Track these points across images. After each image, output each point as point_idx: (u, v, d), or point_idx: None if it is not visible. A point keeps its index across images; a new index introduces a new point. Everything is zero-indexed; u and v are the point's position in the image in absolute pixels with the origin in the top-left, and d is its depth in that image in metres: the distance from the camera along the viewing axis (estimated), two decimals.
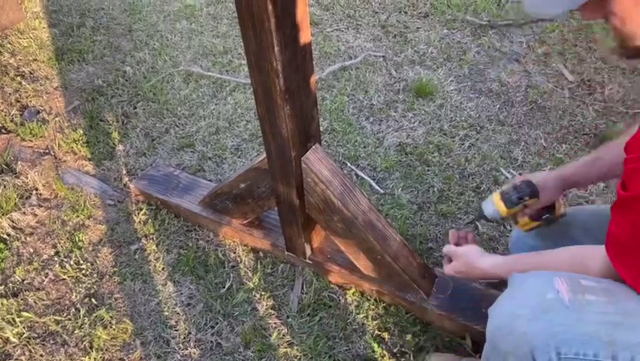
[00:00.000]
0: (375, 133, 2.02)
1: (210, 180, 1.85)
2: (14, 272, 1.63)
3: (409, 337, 1.39)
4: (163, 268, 1.62)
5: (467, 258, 1.14)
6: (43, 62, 2.51)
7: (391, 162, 1.89)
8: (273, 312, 1.49)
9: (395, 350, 1.37)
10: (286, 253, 1.57)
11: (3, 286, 1.59)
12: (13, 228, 1.76)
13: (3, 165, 1.98)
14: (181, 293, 1.56)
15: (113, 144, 2.06)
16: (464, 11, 2.63)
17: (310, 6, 2.81)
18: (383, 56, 2.40)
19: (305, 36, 1.11)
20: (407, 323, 1.42)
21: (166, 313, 1.51)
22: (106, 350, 1.43)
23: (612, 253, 0.85)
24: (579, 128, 1.95)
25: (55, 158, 2.03)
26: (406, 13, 2.68)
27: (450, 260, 1.20)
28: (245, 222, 1.63)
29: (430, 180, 1.80)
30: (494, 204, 1.18)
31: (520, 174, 1.66)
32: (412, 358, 1.35)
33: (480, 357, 1.08)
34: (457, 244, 1.22)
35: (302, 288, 1.53)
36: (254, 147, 2.01)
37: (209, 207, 1.69)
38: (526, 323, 0.85)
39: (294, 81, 1.14)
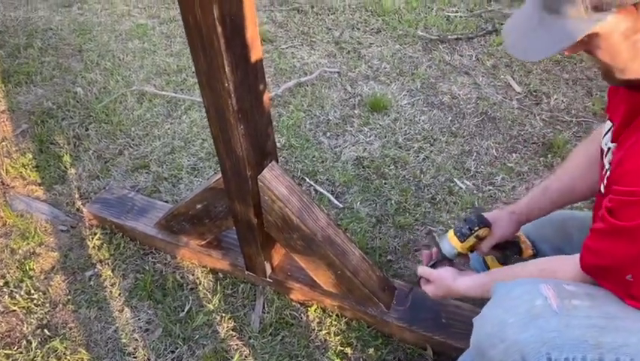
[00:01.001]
0: (332, 148, 2.04)
1: (167, 202, 1.82)
2: None
3: (371, 351, 1.39)
4: (119, 294, 1.58)
5: (442, 281, 1.16)
6: None
7: (349, 176, 1.91)
8: (234, 333, 1.47)
9: None
10: (246, 272, 1.56)
11: None
12: None
13: None
14: (139, 319, 1.52)
15: (65, 167, 2.00)
16: (415, 27, 2.69)
17: (264, 24, 2.83)
18: (338, 72, 2.43)
19: (256, 55, 1.12)
20: (369, 337, 1.42)
21: (124, 341, 1.46)
22: None
23: (592, 272, 0.88)
24: (528, 137, 2.02)
25: (3, 184, 1.95)
26: (358, 29, 2.73)
27: (426, 280, 1.21)
28: (203, 243, 1.61)
29: (388, 193, 1.82)
30: (449, 241, 1.20)
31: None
32: None
33: None
34: (432, 266, 1.23)
35: (263, 307, 1.52)
36: (211, 165, 1.99)
37: (166, 229, 1.66)
38: (517, 331, 0.87)
39: (246, 100, 1.14)
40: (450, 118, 2.15)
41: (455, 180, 1.86)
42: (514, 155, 1.94)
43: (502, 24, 2.64)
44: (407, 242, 1.68)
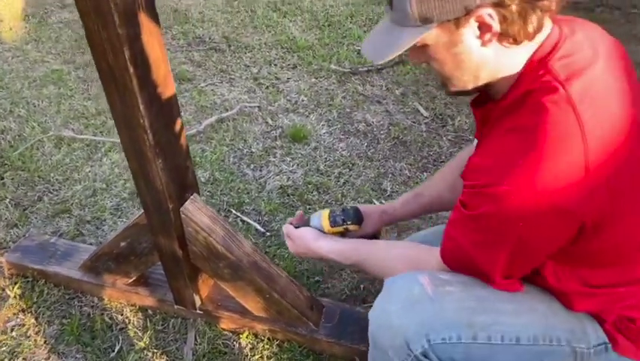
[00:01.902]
0: (257, 179, 2.10)
1: (91, 244, 1.80)
2: None
3: None
4: (45, 342, 1.54)
5: (302, 240, 1.26)
6: None
7: (274, 204, 1.97)
8: None
9: None
10: (175, 306, 1.57)
11: None
12: None
13: None
14: None
15: None
16: (329, 61, 2.85)
17: (183, 64, 2.88)
18: (258, 107, 2.52)
19: (169, 92, 1.18)
20: (301, 356, 1.47)
21: None
22: None
23: (450, 262, 0.99)
24: (437, 157, 2.19)
25: None
26: (275, 65, 2.85)
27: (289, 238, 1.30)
28: (129, 281, 1.61)
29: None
30: (321, 220, 1.29)
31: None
32: None
33: None
34: (297, 227, 1.31)
35: (195, 339, 1.53)
36: (134, 205, 2.00)
37: (91, 271, 1.64)
38: (398, 317, 0.97)
39: (163, 135, 1.19)
40: (365, 144, 2.28)
41: (374, 200, 1.98)
42: (425, 174, 2.09)
43: (407, 56, 2.84)
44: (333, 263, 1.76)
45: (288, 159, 2.21)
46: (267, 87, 2.67)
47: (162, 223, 1.33)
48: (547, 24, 0.88)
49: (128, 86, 1.07)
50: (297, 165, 2.18)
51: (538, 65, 0.87)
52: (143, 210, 1.38)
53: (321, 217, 1.29)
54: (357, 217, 1.28)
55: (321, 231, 1.28)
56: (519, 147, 0.84)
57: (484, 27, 0.83)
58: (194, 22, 3.24)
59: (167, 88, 1.17)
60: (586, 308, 1.00)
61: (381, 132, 2.35)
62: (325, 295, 1.64)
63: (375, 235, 1.36)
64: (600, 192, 0.83)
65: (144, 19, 1.05)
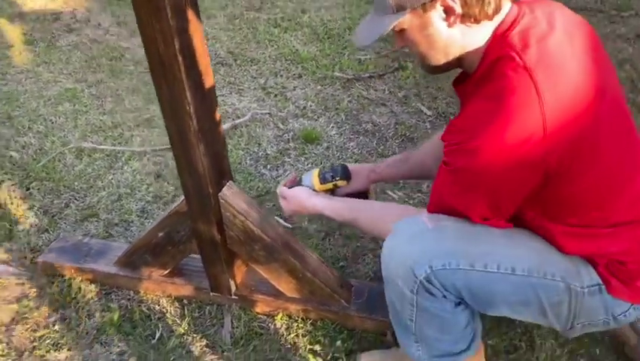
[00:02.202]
0: (274, 178, 2.20)
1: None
2: None
3: (338, 343, 1.52)
4: (87, 333, 1.61)
5: (296, 198, 1.40)
6: None
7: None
8: (208, 350, 1.54)
9: (328, 358, 1.49)
10: (211, 294, 1.65)
11: None
12: None
13: None
14: (110, 352, 1.55)
15: (10, 225, 2.01)
16: (332, 70, 2.97)
17: None
18: (269, 113, 2.63)
19: (210, 82, 1.29)
20: (334, 333, 1.55)
21: None
22: None
23: (435, 212, 1.13)
24: None
25: None
26: (281, 76, 2.97)
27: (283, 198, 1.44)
28: (165, 272, 1.68)
29: None
30: (312, 178, 1.42)
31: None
32: (344, 359, 1.48)
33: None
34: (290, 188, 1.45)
35: (231, 323, 1.61)
36: (159, 206, 2.08)
37: (127, 265, 1.72)
38: (404, 249, 1.11)
39: (205, 122, 1.29)
40: (375, 142, 2.40)
41: (388, 191, 2.08)
42: None
43: (406, 61, 2.99)
44: (355, 248, 1.85)
45: (303, 158, 2.31)
46: (276, 95, 2.79)
47: (202, 208, 1.42)
48: (507, 4, 1.04)
49: (177, 74, 1.17)
50: (312, 163, 2.28)
51: (499, 39, 1.03)
52: (182, 198, 1.47)
53: (312, 176, 1.43)
54: (345, 174, 1.42)
55: (312, 189, 1.41)
56: (486, 110, 0.99)
57: (448, 10, 1.00)
58: None
59: (208, 78, 1.27)
60: (576, 251, 1.11)
61: (389, 131, 2.46)
62: (351, 277, 1.72)
63: (364, 194, 1.50)
64: (560, 145, 0.96)
65: (190, 14, 1.16)
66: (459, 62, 1.11)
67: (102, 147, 2.42)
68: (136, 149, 2.40)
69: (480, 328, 1.27)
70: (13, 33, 3.54)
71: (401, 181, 2.13)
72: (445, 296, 1.11)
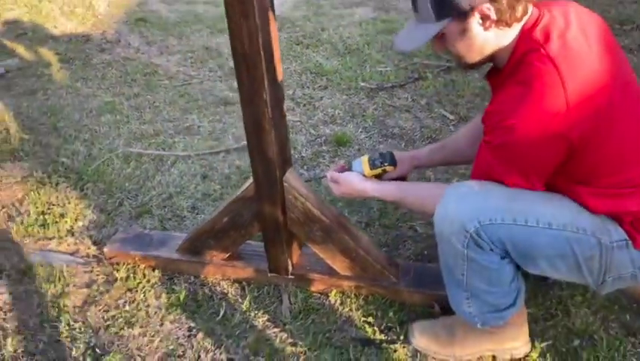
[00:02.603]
0: (312, 177, 2.36)
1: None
2: (5, 345, 1.65)
3: (390, 314, 1.66)
4: (156, 313, 1.75)
5: (348, 182, 1.54)
6: None
7: (333, 196, 2.22)
8: (270, 324, 1.68)
9: (382, 328, 1.64)
10: (269, 274, 1.79)
11: None
12: None
13: None
14: (179, 328, 1.69)
15: (72, 222, 2.16)
16: (355, 81, 3.17)
17: (224, 90, 3.19)
18: (299, 121, 2.81)
19: (280, 76, 1.46)
20: (386, 306, 1.70)
21: (171, 347, 1.63)
22: None
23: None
24: None
25: (14, 243, 2.07)
26: (308, 87, 3.16)
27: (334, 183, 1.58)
28: (225, 256, 1.83)
29: (369, 203, 2.15)
30: (361, 165, 1.57)
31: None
32: (398, 330, 1.62)
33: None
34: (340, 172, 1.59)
35: (289, 300, 1.75)
36: (208, 203, 2.24)
37: (189, 251, 1.86)
38: (454, 208, 1.28)
39: (276, 112, 1.46)
40: (403, 144, 2.57)
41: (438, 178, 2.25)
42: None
43: (425, 72, 3.19)
44: (395, 237, 2.01)
45: (337, 159, 2.48)
46: (304, 105, 2.97)
47: (269, 191, 1.58)
48: (530, 7, 1.23)
49: (258, 66, 1.35)
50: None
51: (525, 35, 1.23)
52: (247, 184, 1.63)
53: (362, 162, 1.57)
54: (393, 160, 1.58)
55: (362, 174, 1.56)
56: (519, 93, 1.18)
57: (485, 17, 1.19)
58: (226, 57, 3.57)
59: (279, 74, 1.45)
60: (604, 209, 1.27)
61: (415, 134, 2.64)
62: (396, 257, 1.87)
63: (403, 178, 1.65)
64: (581, 121, 1.15)
65: (271, 15, 1.34)
66: (491, 58, 1.30)
67: (148, 151, 2.59)
68: (180, 153, 2.57)
69: (523, 287, 1.43)
70: (48, 53, 3.75)
71: (432, 177, 2.30)
72: (492, 250, 1.28)
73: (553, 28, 1.19)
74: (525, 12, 1.21)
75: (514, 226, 1.25)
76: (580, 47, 1.18)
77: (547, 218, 1.26)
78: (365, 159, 1.60)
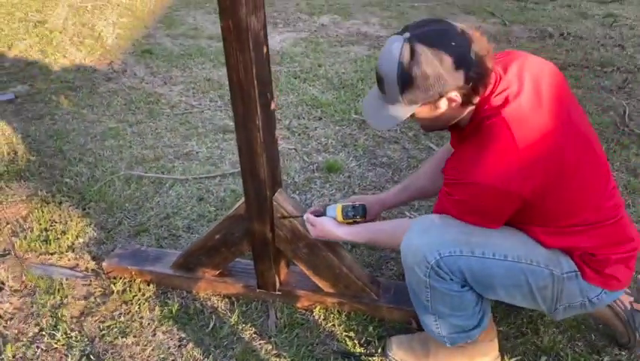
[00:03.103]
0: (303, 201, 2.49)
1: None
2: (4, 351, 1.74)
3: (370, 329, 1.76)
4: (149, 324, 1.84)
5: (323, 226, 1.65)
6: None
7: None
8: (256, 336, 1.78)
9: (362, 341, 1.74)
10: (257, 290, 1.90)
11: None
12: None
13: None
14: (171, 338, 1.79)
15: (73, 239, 2.27)
16: (348, 113, 3.33)
17: (224, 119, 3.34)
18: (294, 149, 2.95)
19: (272, 105, 1.60)
20: (366, 322, 1.80)
21: (162, 356, 1.72)
22: None
23: None
24: None
25: (17, 257, 2.18)
26: (303, 118, 3.32)
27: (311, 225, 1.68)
28: (217, 273, 1.94)
29: None
30: (335, 213, 1.67)
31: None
32: (377, 343, 1.72)
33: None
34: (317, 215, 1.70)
35: (276, 315, 1.85)
36: (203, 224, 2.36)
37: (182, 267, 1.97)
38: (417, 241, 1.41)
39: (267, 136, 1.60)
40: (390, 173, 2.71)
41: (406, 213, 2.37)
42: None
43: None
44: (379, 258, 2.12)
45: (327, 185, 2.61)
46: (299, 134, 3.12)
47: (259, 209, 1.70)
48: (491, 84, 1.35)
49: (252, 95, 1.49)
50: (336, 189, 2.58)
51: (483, 101, 1.35)
52: (238, 204, 1.75)
53: (336, 211, 1.67)
54: (364, 212, 1.68)
55: (335, 219, 1.67)
56: (476, 155, 1.31)
57: (451, 101, 1.32)
58: (226, 88, 3.71)
59: (270, 102, 1.59)
60: (555, 245, 1.40)
61: (402, 163, 2.78)
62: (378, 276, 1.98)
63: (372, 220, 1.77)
64: (533, 178, 1.28)
65: (265, 49, 1.49)
66: (455, 123, 1.43)
67: (148, 174, 2.72)
68: (178, 177, 2.70)
69: (489, 309, 1.54)
70: (57, 81, 3.92)
71: (415, 204, 2.42)
72: (452, 279, 1.40)
73: (507, 93, 1.32)
74: (486, 89, 1.32)
75: (472, 258, 1.37)
76: (531, 108, 1.30)
77: (503, 250, 1.38)
78: (339, 208, 1.68)
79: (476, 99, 1.32)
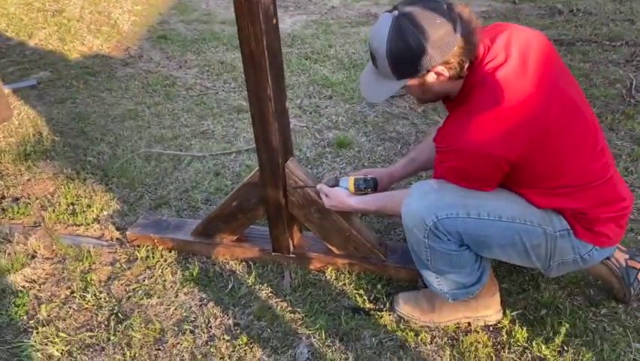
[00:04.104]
0: (315, 174, 2.59)
1: None
2: (39, 310, 1.88)
3: (379, 287, 1.87)
4: (172, 286, 1.97)
5: (337, 196, 1.75)
6: (9, 162, 2.81)
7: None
8: (272, 295, 1.90)
9: (371, 298, 1.84)
10: (273, 253, 2.01)
11: (33, 321, 1.84)
12: (27, 281, 2.02)
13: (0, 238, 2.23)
14: (193, 298, 1.91)
15: (98, 212, 2.40)
16: (359, 91, 3.41)
17: (238, 100, 3.45)
18: (306, 126, 3.05)
19: (282, 75, 1.70)
20: (375, 281, 1.90)
21: (185, 314, 1.85)
22: (141, 346, 1.73)
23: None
24: None
25: (47, 228, 2.32)
26: (314, 97, 3.41)
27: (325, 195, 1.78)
28: (234, 238, 2.06)
29: None
30: (347, 184, 1.77)
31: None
32: (385, 300, 1.83)
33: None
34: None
35: (290, 276, 1.96)
36: (220, 196, 2.47)
37: (202, 234, 2.09)
38: (415, 204, 1.50)
39: (278, 105, 1.70)
40: (399, 146, 2.80)
41: (412, 182, 2.45)
42: None
43: None
44: (387, 224, 2.22)
45: (338, 159, 2.71)
46: (311, 113, 3.22)
47: (273, 176, 1.81)
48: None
49: (263, 65, 1.59)
50: (346, 163, 2.67)
51: (471, 72, 1.41)
52: (253, 172, 1.86)
53: (348, 182, 1.78)
54: (375, 185, 1.78)
55: (347, 190, 1.77)
56: (464, 121, 1.39)
57: (439, 75, 1.40)
58: (240, 70, 3.84)
59: (281, 72, 1.69)
60: (547, 205, 1.48)
61: (411, 137, 2.87)
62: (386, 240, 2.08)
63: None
64: (519, 141, 1.34)
65: (274, 21, 1.59)
66: (447, 95, 1.51)
67: (167, 152, 2.85)
68: (196, 154, 2.82)
69: (488, 265, 1.63)
70: (76, 67, 4.06)
71: (423, 176, 2.51)
72: (449, 240, 1.49)
73: (495, 62, 1.39)
74: (472, 63, 1.40)
75: (468, 219, 1.46)
76: (516, 75, 1.36)
77: (497, 211, 1.47)
78: (351, 180, 1.78)
79: (464, 73, 1.39)
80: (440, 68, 1.37)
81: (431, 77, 1.40)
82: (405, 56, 1.35)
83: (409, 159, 1.96)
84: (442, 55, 1.34)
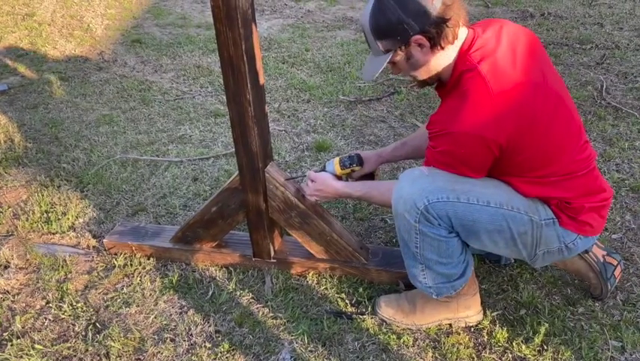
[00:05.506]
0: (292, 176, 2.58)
1: None
2: (13, 322, 1.83)
3: (361, 290, 1.87)
4: (151, 294, 1.94)
5: (323, 180, 1.78)
6: None
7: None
8: (253, 301, 1.88)
9: (353, 302, 1.84)
10: (253, 259, 2.00)
11: (7, 333, 1.79)
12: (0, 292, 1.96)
13: None
14: (172, 306, 1.88)
15: (73, 219, 2.36)
16: (336, 95, 3.42)
17: (214, 104, 3.42)
18: (284, 130, 3.04)
19: (262, 80, 1.69)
20: (357, 285, 1.91)
21: (165, 322, 1.82)
22: (120, 356, 1.70)
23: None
24: None
25: (20, 237, 2.26)
26: (292, 101, 3.41)
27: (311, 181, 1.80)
28: (214, 245, 2.04)
29: (344, 201, 2.38)
30: (333, 165, 1.82)
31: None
32: (367, 303, 1.83)
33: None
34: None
35: (272, 281, 1.95)
36: (199, 202, 2.45)
37: (181, 240, 2.07)
38: (407, 189, 1.52)
39: (257, 110, 1.69)
40: (378, 148, 2.80)
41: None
42: None
43: (400, 87, 3.45)
44: (367, 227, 2.22)
45: (317, 163, 2.71)
46: (289, 116, 3.21)
47: (252, 181, 1.80)
48: (464, 31, 1.48)
49: (242, 70, 1.58)
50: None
51: (462, 57, 1.47)
52: (233, 177, 1.85)
53: (333, 163, 1.82)
54: (360, 161, 1.84)
55: (334, 174, 1.81)
56: (456, 107, 1.43)
57: (421, 45, 1.45)
58: (216, 74, 3.82)
59: (261, 77, 1.68)
60: (533, 194, 1.52)
61: (389, 141, 2.88)
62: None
63: (371, 175, 1.92)
64: (508, 126, 1.38)
65: (253, 26, 1.58)
66: (438, 76, 1.54)
67: (143, 157, 2.80)
68: (173, 159, 2.79)
69: (472, 260, 1.65)
70: (48, 72, 3.98)
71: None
72: (439, 224, 1.51)
73: (485, 49, 1.43)
74: (455, 36, 1.44)
75: (458, 203, 1.48)
76: (506, 64, 1.41)
77: (485, 197, 1.49)
78: (336, 160, 1.84)
79: (447, 44, 1.43)
80: (419, 37, 1.41)
81: (415, 49, 1.45)
82: (386, 27, 1.43)
83: (400, 143, 1.99)
84: (419, 24, 1.40)
